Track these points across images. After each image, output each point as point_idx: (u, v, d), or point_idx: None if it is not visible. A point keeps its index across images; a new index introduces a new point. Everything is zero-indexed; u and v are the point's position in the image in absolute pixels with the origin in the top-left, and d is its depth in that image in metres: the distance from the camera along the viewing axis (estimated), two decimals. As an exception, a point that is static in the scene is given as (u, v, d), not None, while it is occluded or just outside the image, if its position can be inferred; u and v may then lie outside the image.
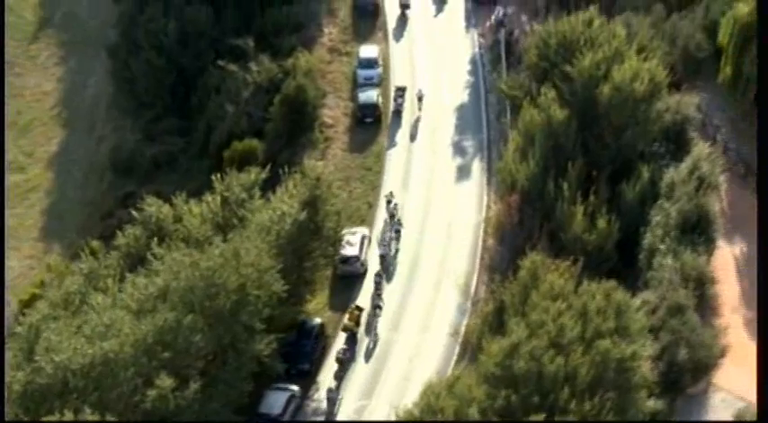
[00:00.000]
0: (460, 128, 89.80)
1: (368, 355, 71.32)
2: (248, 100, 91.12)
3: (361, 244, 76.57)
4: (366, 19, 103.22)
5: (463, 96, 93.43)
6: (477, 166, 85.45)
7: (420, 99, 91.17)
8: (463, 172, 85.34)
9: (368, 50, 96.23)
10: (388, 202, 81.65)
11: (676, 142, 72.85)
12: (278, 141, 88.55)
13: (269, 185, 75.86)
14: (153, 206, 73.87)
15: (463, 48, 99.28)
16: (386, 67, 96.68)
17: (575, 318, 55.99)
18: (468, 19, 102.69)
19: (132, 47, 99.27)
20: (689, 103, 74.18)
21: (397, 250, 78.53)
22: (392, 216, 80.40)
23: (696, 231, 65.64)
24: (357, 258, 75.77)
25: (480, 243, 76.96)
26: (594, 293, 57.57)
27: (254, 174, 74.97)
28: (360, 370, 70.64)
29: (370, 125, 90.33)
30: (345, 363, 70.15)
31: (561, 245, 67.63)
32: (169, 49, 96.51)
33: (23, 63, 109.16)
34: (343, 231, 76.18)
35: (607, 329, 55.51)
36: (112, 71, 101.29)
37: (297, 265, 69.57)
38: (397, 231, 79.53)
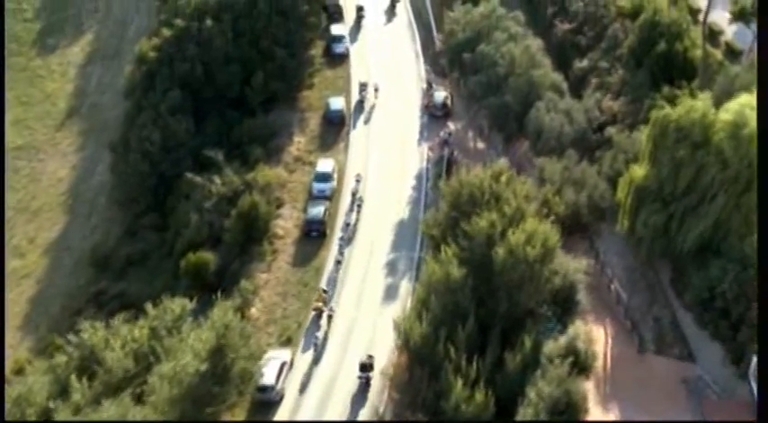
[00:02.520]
0: (396, 244, 75.41)
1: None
2: (210, 210, 77.97)
3: (279, 372, 62.65)
4: (333, 129, 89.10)
5: (405, 211, 78.83)
6: (404, 286, 70.72)
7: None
8: (391, 290, 70.74)
9: (324, 164, 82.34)
10: (357, 181, 79.39)
11: (564, 305, 58.34)
12: (231, 252, 75.38)
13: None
14: (88, 332, 60.70)
15: (413, 161, 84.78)
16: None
17: None
18: (421, 132, 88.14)
19: (127, 146, 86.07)
20: (578, 268, 59.51)
21: (357, 220, 76.10)
22: (354, 194, 78.18)
23: (564, 415, 51.20)
24: (273, 388, 61.73)
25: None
26: None
27: (181, 307, 61.61)
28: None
29: (317, 238, 76.09)
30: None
31: (444, 408, 53.66)
32: (152, 155, 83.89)
33: (48, 149, 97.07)
34: (266, 355, 62.74)
35: None
36: (111, 166, 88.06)
37: (197, 412, 55.99)
38: (359, 206, 76.55)
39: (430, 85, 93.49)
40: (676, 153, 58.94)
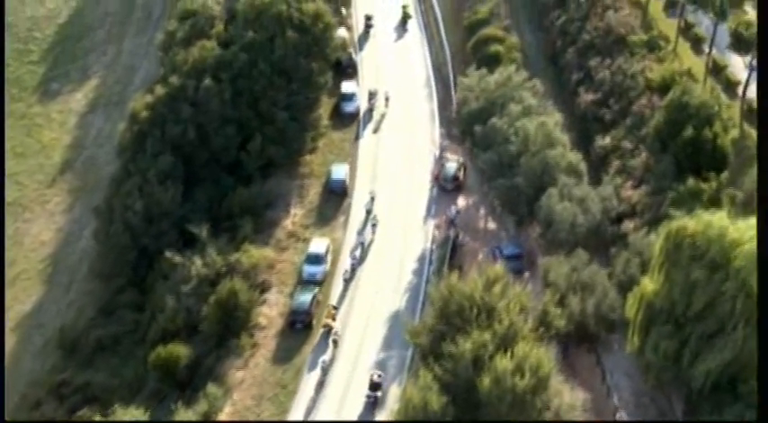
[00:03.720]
0: (388, 340, 68.87)
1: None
2: (189, 294, 71.86)
3: None
4: (334, 200, 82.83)
5: (401, 301, 72.29)
6: (393, 393, 63.94)
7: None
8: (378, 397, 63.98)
9: (317, 245, 75.87)
10: (372, 198, 78.82)
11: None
12: (207, 343, 69.49)
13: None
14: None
15: (416, 241, 78.23)
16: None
17: None
18: (428, 208, 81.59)
19: (111, 213, 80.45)
20: (573, 405, 52.47)
21: (371, 241, 75.79)
22: (369, 211, 77.99)
23: None
24: None
25: None
26: None
27: (132, 422, 55.84)
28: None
29: (301, 330, 69.83)
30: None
31: None
32: (134, 227, 77.90)
33: (35, 208, 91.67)
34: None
35: None
36: (95, 233, 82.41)
37: None
38: (374, 225, 75.86)
39: (443, 151, 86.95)
40: (691, 272, 51.91)
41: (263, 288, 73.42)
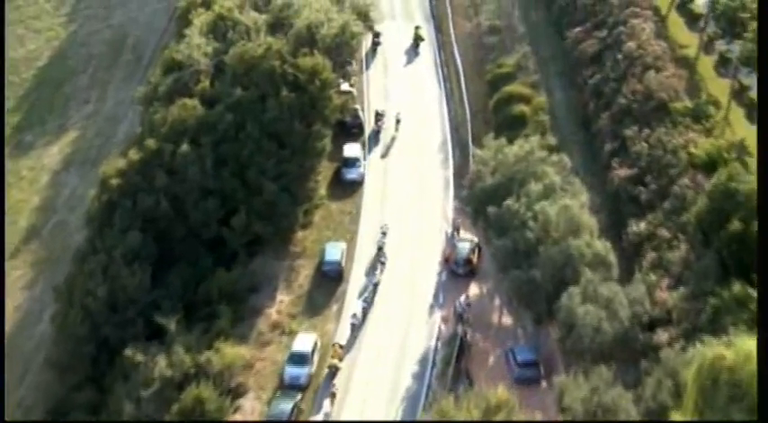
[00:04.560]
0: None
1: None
2: (150, 399, 65.81)
3: None
4: (327, 285, 77.00)
5: (398, 413, 66.82)
6: None
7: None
8: None
9: (303, 341, 70.45)
10: (383, 233, 78.00)
11: None
12: (167, 461, 63.10)
13: None
14: None
15: (419, 337, 72.49)
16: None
17: None
18: (435, 296, 75.62)
19: (71, 296, 74.84)
20: None
21: (379, 281, 75.28)
22: (380, 248, 77.18)
23: None
24: None
25: None
26: None
27: None
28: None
29: (281, 445, 64.14)
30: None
31: None
32: (95, 315, 72.30)
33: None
34: None
35: None
36: (53, 317, 76.74)
37: None
38: (383, 263, 75.22)
39: (456, 229, 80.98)
40: (730, 415, 45.28)
41: (238, 393, 67.73)
